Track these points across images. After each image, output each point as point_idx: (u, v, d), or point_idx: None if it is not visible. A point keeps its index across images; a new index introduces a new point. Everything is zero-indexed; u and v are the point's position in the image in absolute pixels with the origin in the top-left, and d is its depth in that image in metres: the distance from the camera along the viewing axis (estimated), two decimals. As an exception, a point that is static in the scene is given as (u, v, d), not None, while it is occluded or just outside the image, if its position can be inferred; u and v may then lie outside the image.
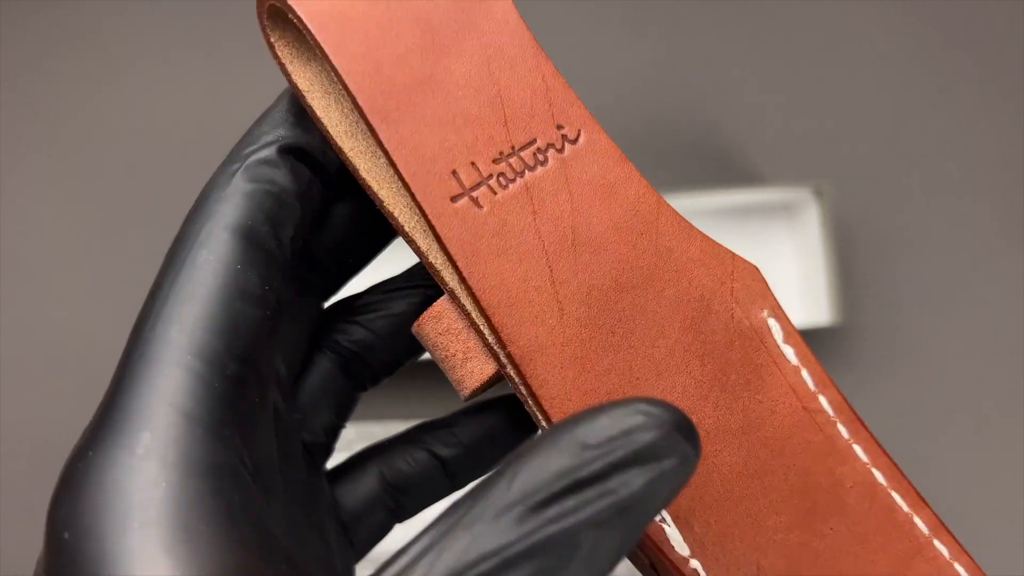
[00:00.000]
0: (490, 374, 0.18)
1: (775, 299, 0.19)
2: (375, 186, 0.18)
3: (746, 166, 0.50)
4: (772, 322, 0.18)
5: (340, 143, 0.18)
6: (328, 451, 0.22)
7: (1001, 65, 0.51)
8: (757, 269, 0.19)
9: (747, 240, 0.49)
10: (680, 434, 0.13)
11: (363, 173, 0.18)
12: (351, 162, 0.18)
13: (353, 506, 0.22)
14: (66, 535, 0.14)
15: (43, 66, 0.51)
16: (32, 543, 0.54)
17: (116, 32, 0.51)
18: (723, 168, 0.50)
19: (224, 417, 0.15)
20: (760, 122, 0.50)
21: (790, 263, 0.49)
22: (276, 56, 0.19)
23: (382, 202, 0.18)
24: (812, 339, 0.49)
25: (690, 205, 0.47)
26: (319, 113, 0.18)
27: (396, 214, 0.18)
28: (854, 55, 0.51)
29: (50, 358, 0.49)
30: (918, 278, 0.50)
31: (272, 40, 0.18)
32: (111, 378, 0.16)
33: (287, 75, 0.18)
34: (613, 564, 0.13)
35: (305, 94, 0.18)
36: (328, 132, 0.18)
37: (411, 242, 0.18)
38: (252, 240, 0.17)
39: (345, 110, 0.18)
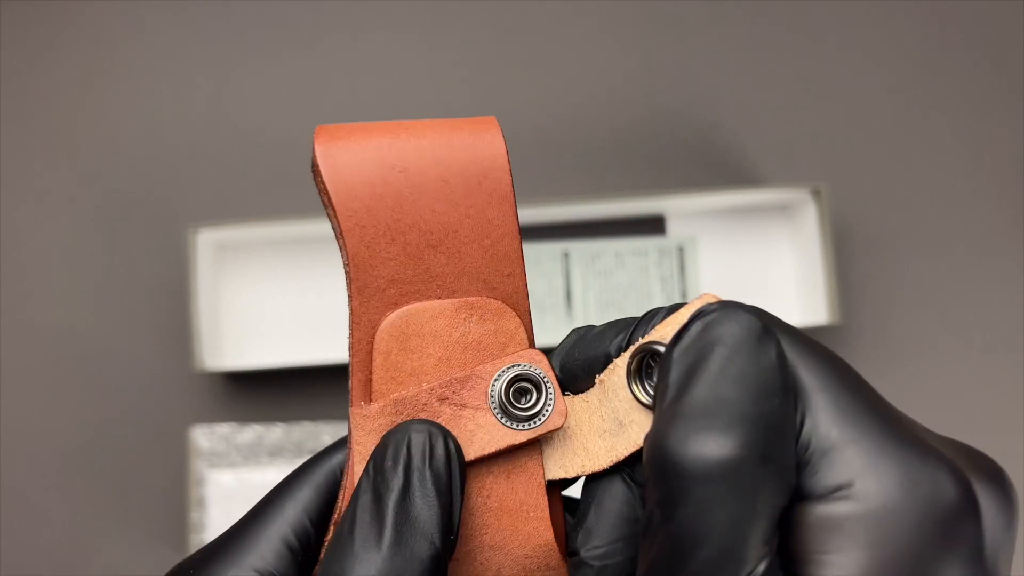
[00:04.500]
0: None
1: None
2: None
3: (745, 168, 0.51)
4: None
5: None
6: None
7: (999, 67, 0.52)
8: None
9: (746, 241, 0.49)
10: None
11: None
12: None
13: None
14: None
15: (43, 66, 0.51)
16: (31, 542, 0.54)
17: (116, 32, 0.51)
18: (722, 170, 0.51)
19: None
20: (759, 124, 0.51)
21: (788, 263, 0.49)
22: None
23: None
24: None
25: (690, 206, 0.48)
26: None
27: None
28: (852, 58, 0.52)
29: (50, 358, 0.49)
30: (915, 278, 0.50)
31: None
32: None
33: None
34: None
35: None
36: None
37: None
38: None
39: None
